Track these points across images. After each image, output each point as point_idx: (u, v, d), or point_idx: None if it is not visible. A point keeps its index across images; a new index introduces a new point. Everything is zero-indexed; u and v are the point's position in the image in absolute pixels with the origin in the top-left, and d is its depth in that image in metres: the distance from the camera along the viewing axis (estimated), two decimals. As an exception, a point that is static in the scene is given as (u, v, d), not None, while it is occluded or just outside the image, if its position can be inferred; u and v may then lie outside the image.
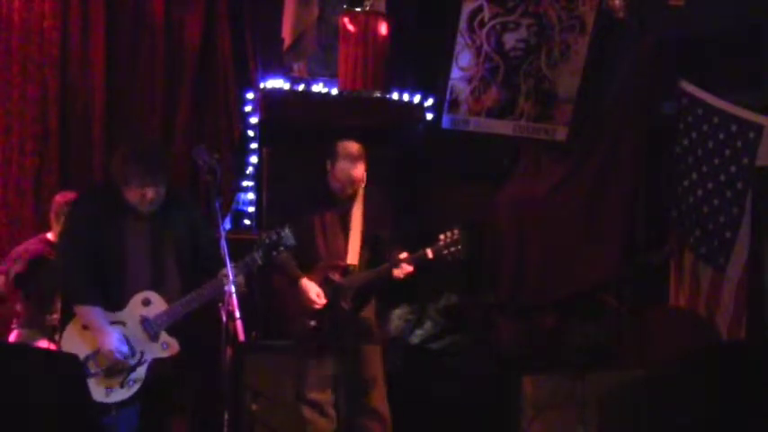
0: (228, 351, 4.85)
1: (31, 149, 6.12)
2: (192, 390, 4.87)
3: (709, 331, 6.03)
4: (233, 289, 4.65)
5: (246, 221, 6.59)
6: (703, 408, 4.73)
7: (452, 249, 5.07)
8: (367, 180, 5.28)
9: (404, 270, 5.08)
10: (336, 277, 5.17)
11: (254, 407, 5.46)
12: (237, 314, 4.60)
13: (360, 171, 5.22)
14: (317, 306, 5.12)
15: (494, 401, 6.12)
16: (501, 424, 6.06)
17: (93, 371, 4.33)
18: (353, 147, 5.26)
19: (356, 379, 5.16)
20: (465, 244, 5.07)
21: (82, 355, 4.27)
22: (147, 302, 4.46)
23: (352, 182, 5.21)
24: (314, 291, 5.12)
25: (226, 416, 4.84)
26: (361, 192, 5.28)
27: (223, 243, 4.65)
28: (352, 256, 5.20)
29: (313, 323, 5.14)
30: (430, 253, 5.09)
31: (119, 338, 4.36)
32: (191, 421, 5.78)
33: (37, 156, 6.14)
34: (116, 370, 4.37)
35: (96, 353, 4.35)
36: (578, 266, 6.67)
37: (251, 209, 6.61)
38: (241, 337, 4.54)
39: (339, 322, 5.15)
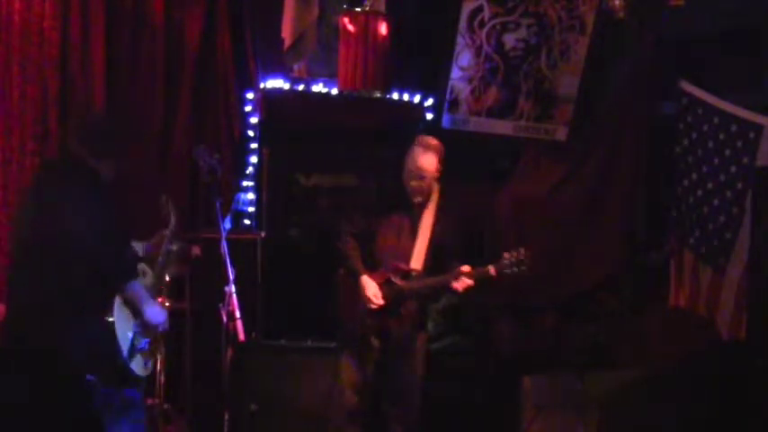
0: (228, 351, 4.85)
1: (31, 149, 6.12)
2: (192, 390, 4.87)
3: (709, 331, 6.03)
4: (233, 289, 4.66)
5: (246, 221, 6.59)
6: (703, 408, 4.73)
7: (516, 269, 5.12)
8: (442, 188, 5.28)
9: (463, 283, 5.11)
10: (398, 280, 5.18)
11: (253, 407, 5.46)
12: (237, 314, 4.61)
13: (428, 161, 5.24)
14: (373, 306, 5.13)
15: (494, 401, 6.12)
16: (501, 424, 6.06)
17: (139, 346, 4.30)
18: (427, 138, 5.34)
19: (395, 383, 5.20)
20: (530, 263, 5.11)
21: (131, 332, 4.24)
22: (144, 273, 4.45)
23: (419, 171, 5.22)
24: (372, 290, 5.12)
25: (226, 416, 4.85)
26: (435, 198, 5.29)
27: (223, 243, 4.66)
28: (417, 262, 5.22)
29: (368, 322, 5.16)
30: (492, 270, 5.14)
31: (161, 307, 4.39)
32: (191, 421, 5.79)
33: (37, 156, 6.14)
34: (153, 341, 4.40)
35: (140, 326, 4.30)
36: (578, 266, 6.67)
37: (251, 209, 6.61)
38: (241, 337, 4.55)
39: (393, 325, 5.18)
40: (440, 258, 5.25)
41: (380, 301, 5.13)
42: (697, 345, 5.81)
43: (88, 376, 4.00)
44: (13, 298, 4.17)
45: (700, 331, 6.06)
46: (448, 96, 6.75)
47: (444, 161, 5.32)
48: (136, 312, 4.23)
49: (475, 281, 5.13)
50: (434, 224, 5.26)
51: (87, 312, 4.11)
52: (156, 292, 4.54)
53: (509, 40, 6.71)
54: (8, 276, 4.32)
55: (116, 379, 4.17)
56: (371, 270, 5.21)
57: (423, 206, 5.29)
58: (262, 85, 6.60)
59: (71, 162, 4.27)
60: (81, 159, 4.26)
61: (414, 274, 5.20)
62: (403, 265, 5.20)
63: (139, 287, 4.25)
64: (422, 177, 5.25)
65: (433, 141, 5.34)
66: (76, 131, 4.36)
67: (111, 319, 4.15)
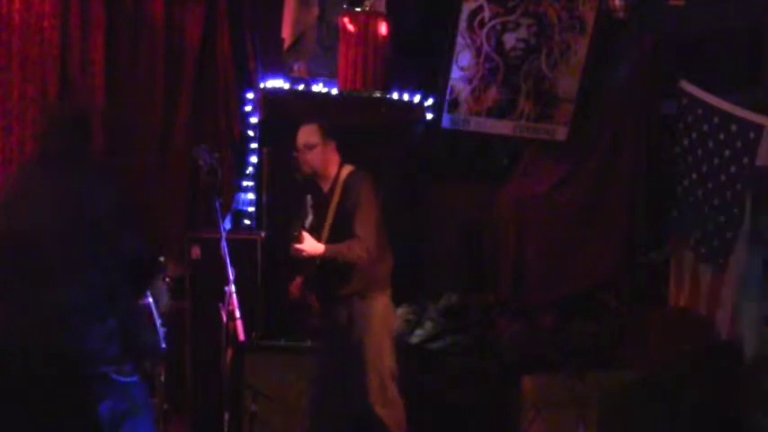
0: (228, 351, 4.85)
1: (30, 149, 6.13)
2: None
3: (709, 331, 6.03)
4: (233, 289, 4.66)
5: (246, 221, 6.59)
6: (703, 407, 4.73)
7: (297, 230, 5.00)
8: (352, 174, 5.22)
9: (300, 249, 4.94)
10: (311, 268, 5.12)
11: (254, 407, 5.47)
12: (237, 314, 4.61)
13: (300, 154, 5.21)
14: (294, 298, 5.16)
15: (494, 401, 6.11)
16: (501, 424, 6.06)
17: None
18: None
19: (347, 384, 5.07)
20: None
21: None
22: None
23: (299, 143, 5.22)
24: (292, 285, 5.14)
25: (226, 416, 4.85)
26: (343, 176, 5.22)
27: (223, 243, 4.65)
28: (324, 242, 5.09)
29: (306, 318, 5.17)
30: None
31: None
32: (191, 421, 5.80)
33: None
34: None
35: None
36: (578, 266, 6.66)
37: (251, 209, 6.61)
38: (241, 337, 4.54)
39: (311, 317, 5.15)
40: (339, 240, 5.06)
41: (294, 295, 5.13)
42: (697, 345, 5.80)
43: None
44: (42, 297, 3.80)
45: (700, 331, 6.06)
46: (448, 96, 6.75)
47: (328, 135, 5.22)
48: None
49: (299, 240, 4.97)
50: (337, 207, 5.15)
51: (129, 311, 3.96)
52: None
53: (509, 40, 6.70)
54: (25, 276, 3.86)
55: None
56: None
57: (331, 191, 5.22)
58: (262, 85, 6.60)
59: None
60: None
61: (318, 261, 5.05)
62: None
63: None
64: (302, 149, 5.20)
65: (318, 119, 5.28)
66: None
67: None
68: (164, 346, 4.75)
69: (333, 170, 5.21)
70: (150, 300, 4.53)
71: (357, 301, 5.09)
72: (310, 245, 4.94)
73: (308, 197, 5.10)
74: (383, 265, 5.17)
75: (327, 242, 5.03)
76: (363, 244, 4.99)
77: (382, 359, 5.09)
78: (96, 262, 3.74)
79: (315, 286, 5.13)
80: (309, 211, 5.06)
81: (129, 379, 3.77)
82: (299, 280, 5.15)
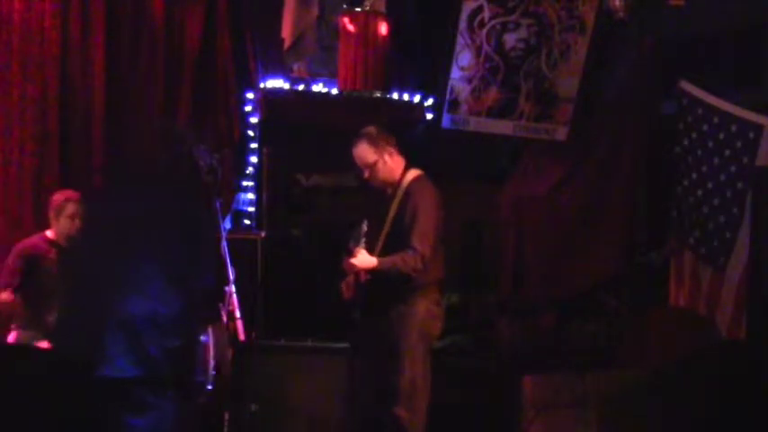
0: (228, 351, 4.86)
1: (30, 150, 6.12)
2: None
3: (709, 331, 6.03)
4: (233, 289, 4.66)
5: (246, 221, 6.60)
6: (703, 408, 4.72)
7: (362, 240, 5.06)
8: (415, 180, 5.21)
9: (351, 263, 5.00)
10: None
11: (254, 407, 5.46)
12: (237, 314, 4.61)
13: (365, 174, 5.21)
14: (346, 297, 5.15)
15: (494, 401, 6.11)
16: (501, 424, 6.06)
17: None
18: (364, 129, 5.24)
19: (382, 385, 5.08)
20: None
21: None
22: None
23: (356, 161, 5.21)
24: (344, 283, 5.13)
25: (226, 416, 4.85)
26: (406, 182, 5.20)
27: (224, 243, 4.66)
28: (376, 251, 5.12)
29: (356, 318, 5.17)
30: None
31: None
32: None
33: (37, 156, 6.14)
34: None
35: None
36: (578, 266, 6.67)
37: (251, 209, 6.61)
38: (241, 337, 4.54)
39: (368, 322, 5.14)
40: (394, 247, 5.08)
41: (346, 295, 5.13)
42: (697, 345, 5.80)
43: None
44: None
45: (700, 331, 6.06)
46: (448, 96, 6.75)
47: (381, 144, 5.18)
48: None
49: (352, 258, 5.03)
50: (395, 214, 5.14)
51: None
52: None
53: (509, 40, 6.70)
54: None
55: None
56: None
57: (392, 196, 5.21)
58: (262, 85, 6.60)
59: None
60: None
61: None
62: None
63: None
64: (362, 167, 5.19)
65: (365, 129, 5.23)
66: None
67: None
68: (209, 387, 4.60)
69: (397, 175, 5.19)
70: (210, 339, 4.44)
71: (400, 304, 5.09)
72: (363, 260, 4.96)
73: (365, 223, 5.06)
74: (432, 271, 5.14)
75: (383, 249, 5.05)
76: (418, 256, 4.98)
77: (416, 365, 5.09)
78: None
79: (361, 286, 5.13)
80: (363, 238, 5.03)
81: (164, 409, 3.71)
82: (351, 279, 5.13)
